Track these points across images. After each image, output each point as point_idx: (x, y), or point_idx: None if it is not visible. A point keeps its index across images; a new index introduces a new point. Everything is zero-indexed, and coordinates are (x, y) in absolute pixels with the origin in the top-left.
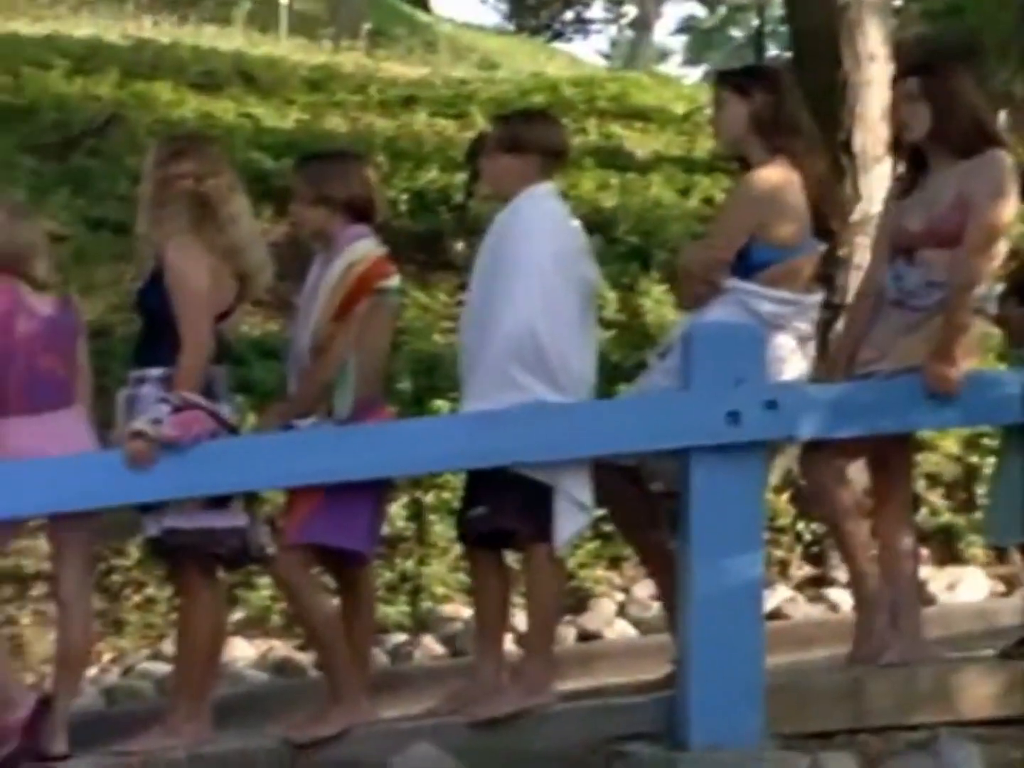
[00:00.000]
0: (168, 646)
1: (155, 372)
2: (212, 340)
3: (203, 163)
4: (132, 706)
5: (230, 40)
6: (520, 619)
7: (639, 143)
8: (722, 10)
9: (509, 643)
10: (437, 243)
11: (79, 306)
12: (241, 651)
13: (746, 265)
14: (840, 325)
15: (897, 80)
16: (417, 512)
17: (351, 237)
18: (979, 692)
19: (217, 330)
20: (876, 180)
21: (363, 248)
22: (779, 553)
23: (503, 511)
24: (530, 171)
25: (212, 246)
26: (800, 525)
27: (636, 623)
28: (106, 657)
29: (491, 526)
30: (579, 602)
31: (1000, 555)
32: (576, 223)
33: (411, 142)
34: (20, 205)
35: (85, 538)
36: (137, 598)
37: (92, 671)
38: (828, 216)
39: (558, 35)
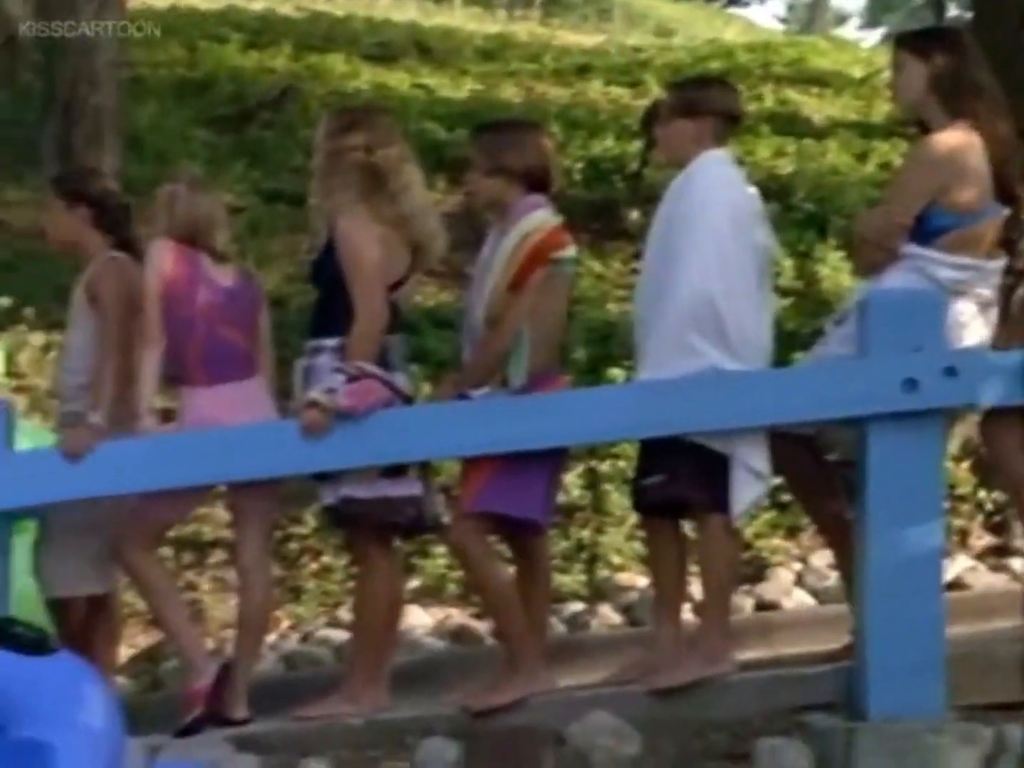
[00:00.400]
0: (345, 613)
1: (331, 342)
2: (386, 309)
3: (374, 134)
4: (311, 672)
5: (404, 11)
6: (696, 588)
7: (816, 108)
8: None
9: (686, 612)
10: (612, 212)
11: (259, 278)
12: (418, 619)
13: (925, 231)
14: (1023, 291)
15: None
16: (593, 481)
17: (527, 207)
18: None
19: (391, 299)
20: None
21: (538, 218)
22: (959, 522)
23: (678, 480)
24: (705, 136)
25: (383, 216)
26: (981, 494)
27: (814, 593)
28: (284, 624)
29: (665, 495)
30: (756, 572)
31: None
32: (752, 189)
33: (585, 111)
34: (199, 178)
35: (265, 506)
36: (314, 566)
37: (271, 637)
38: (1012, 180)
39: (734, 0)
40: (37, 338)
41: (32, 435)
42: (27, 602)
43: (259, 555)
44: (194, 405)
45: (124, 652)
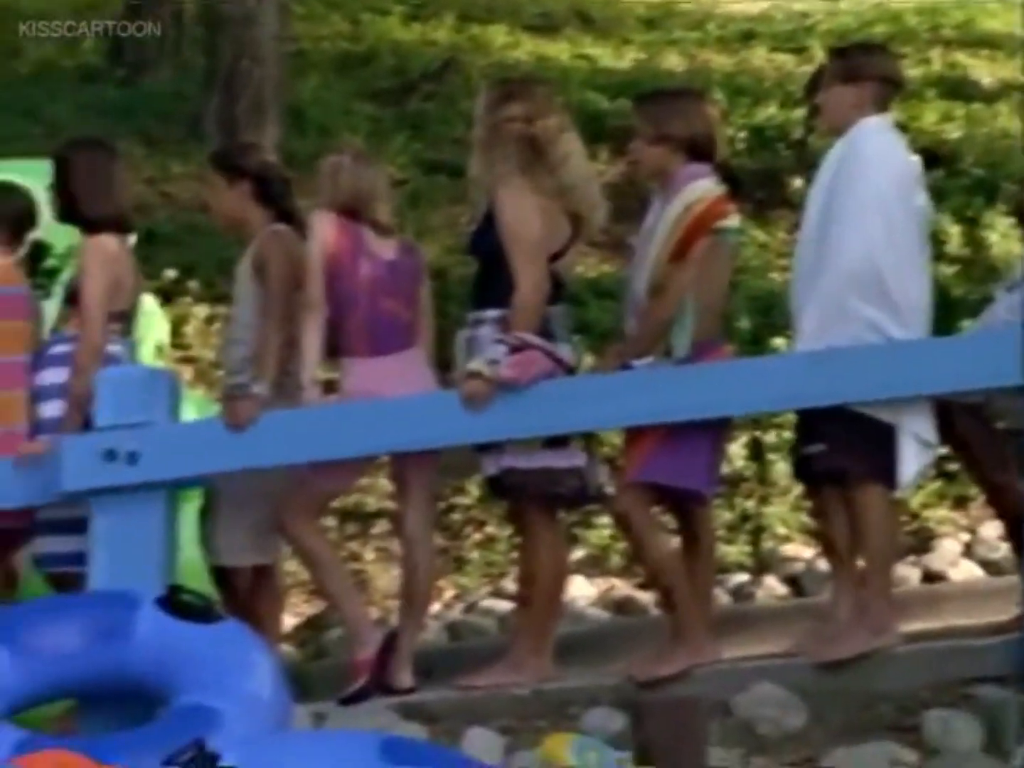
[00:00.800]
0: (509, 584)
1: (492, 313)
2: (547, 280)
3: (533, 105)
4: (475, 642)
5: None
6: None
7: (986, 72)
8: None
9: None
10: (776, 180)
11: (420, 250)
12: (581, 589)
13: None
14: None
15: None
16: (757, 451)
17: (690, 176)
18: None
19: (552, 270)
20: None
21: (702, 188)
22: None
23: (840, 449)
24: (866, 102)
25: (542, 187)
26: None
27: (983, 564)
28: (448, 594)
29: (827, 464)
30: (923, 542)
31: None
32: (913, 156)
33: (750, 78)
34: (363, 150)
35: (427, 477)
36: (478, 536)
37: (435, 607)
38: None
39: None
40: (201, 310)
41: (197, 406)
42: (193, 571)
43: (422, 525)
44: (354, 376)
45: (289, 621)
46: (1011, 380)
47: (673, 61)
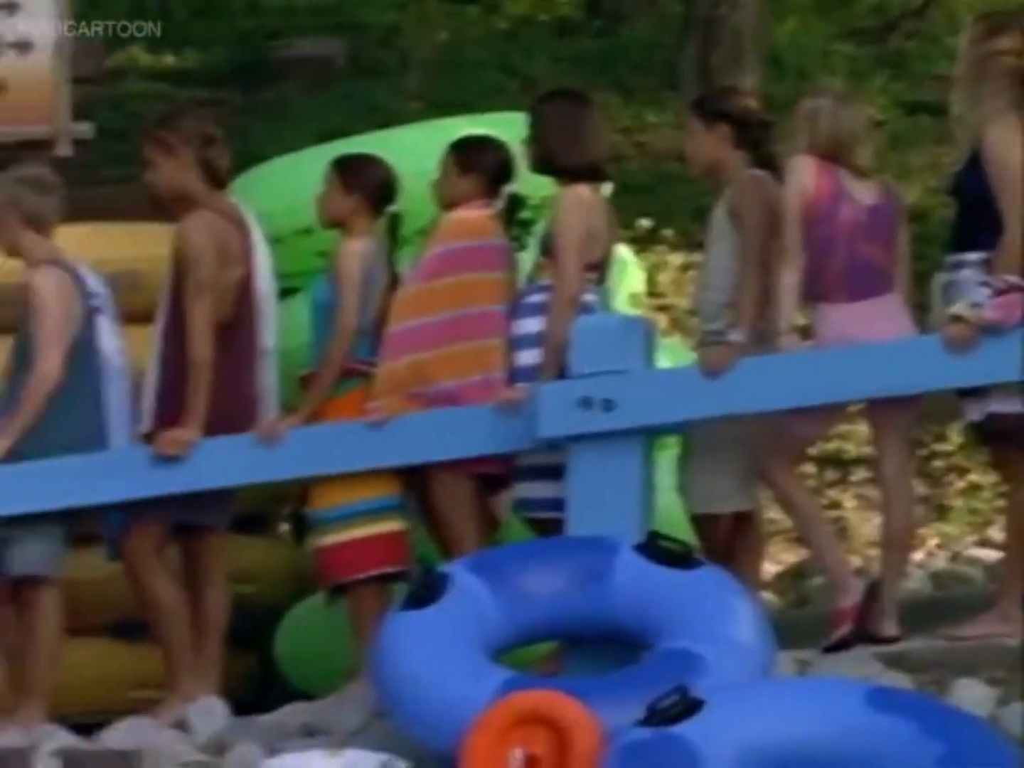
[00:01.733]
0: (996, 533)
1: (973, 256)
2: None
3: (1023, 38)
4: (960, 592)
5: None
6: None
7: None
8: None
9: None
10: None
11: (899, 193)
12: None
13: None
14: None
15: None
16: None
17: None
18: None
19: None
20: None
21: None
22: None
23: None
24: None
25: None
26: None
27: None
28: (932, 542)
29: None
30: None
31: None
32: None
33: None
34: (843, 93)
35: (905, 422)
36: (961, 484)
37: (918, 555)
38: None
39: None
40: (676, 258)
41: (673, 353)
42: (672, 518)
43: (901, 471)
44: (832, 322)
45: (769, 568)
46: None
47: None
